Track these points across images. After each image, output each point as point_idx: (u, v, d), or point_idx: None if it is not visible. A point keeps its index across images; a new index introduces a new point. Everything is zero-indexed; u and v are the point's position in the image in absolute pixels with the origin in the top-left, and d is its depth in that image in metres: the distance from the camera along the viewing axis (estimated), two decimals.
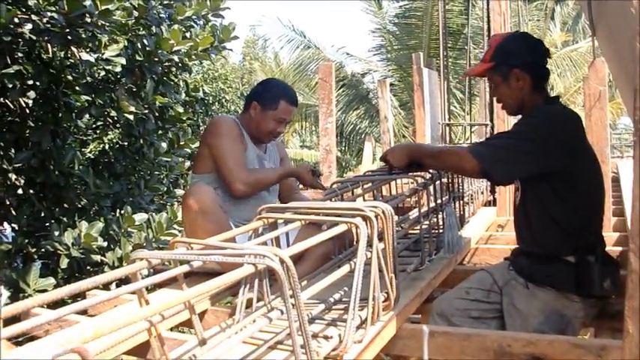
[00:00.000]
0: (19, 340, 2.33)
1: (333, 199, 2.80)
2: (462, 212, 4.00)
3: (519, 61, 2.89)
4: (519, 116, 3.10)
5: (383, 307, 2.15)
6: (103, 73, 4.66)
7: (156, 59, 4.54)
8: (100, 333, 1.01)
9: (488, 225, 5.06)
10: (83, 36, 4.01)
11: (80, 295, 3.18)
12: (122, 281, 3.76)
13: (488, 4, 7.06)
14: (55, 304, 2.64)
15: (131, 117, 4.51)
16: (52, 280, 3.78)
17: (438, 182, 3.28)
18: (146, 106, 4.69)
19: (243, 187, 3.25)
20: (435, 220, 3.32)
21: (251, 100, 3.52)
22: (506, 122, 5.44)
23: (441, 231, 3.35)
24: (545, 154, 2.70)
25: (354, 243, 2.93)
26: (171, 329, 2.71)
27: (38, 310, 2.52)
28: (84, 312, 2.89)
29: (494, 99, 3.11)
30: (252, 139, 3.54)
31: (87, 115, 4.74)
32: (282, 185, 3.78)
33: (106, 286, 3.56)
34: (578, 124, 2.88)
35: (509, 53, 2.92)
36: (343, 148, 19.93)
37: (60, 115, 4.43)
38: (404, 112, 18.60)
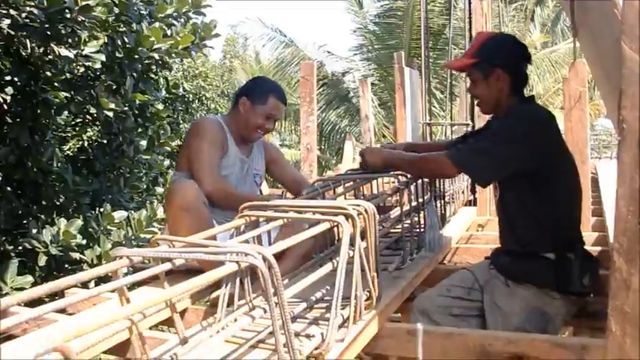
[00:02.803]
0: None
1: (315, 198, 2.79)
2: (443, 211, 4.00)
3: (502, 61, 2.90)
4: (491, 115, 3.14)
5: (365, 306, 2.15)
6: (82, 69, 4.62)
7: (136, 56, 4.51)
8: (83, 331, 1.00)
9: (469, 224, 5.08)
10: (63, 32, 3.97)
11: (58, 294, 3.16)
12: (101, 279, 3.73)
13: (470, 5, 7.08)
14: (32, 303, 2.62)
15: (111, 114, 4.47)
16: (29, 278, 3.75)
17: (419, 181, 3.29)
18: (126, 103, 4.66)
19: (211, 189, 3.18)
20: (417, 219, 3.32)
21: (240, 96, 3.50)
22: None
23: (422, 230, 3.35)
24: (523, 154, 2.73)
25: (335, 241, 2.93)
26: (151, 328, 2.68)
27: (16, 309, 2.48)
28: (62, 310, 2.85)
29: (471, 96, 3.12)
30: (237, 140, 3.51)
31: (66, 112, 4.70)
32: (284, 179, 3.81)
33: (84, 285, 3.53)
34: (551, 122, 2.90)
35: (493, 52, 2.93)
36: (323, 147, 19.92)
37: (38, 111, 4.39)
38: (384, 111, 18.64)
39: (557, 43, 21.78)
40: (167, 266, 1.51)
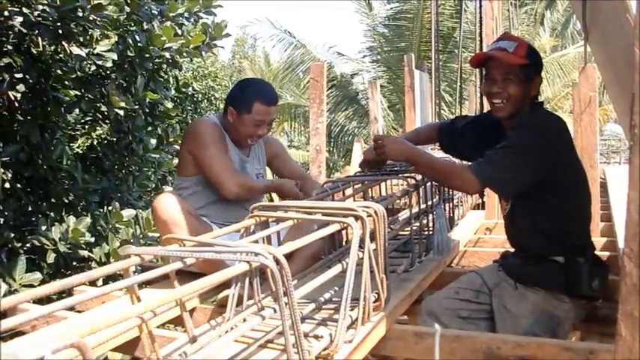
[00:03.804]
0: (2, 336, 2.31)
1: (324, 199, 2.79)
2: (451, 215, 4.00)
3: (541, 68, 2.92)
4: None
5: (373, 308, 2.15)
6: (93, 67, 4.64)
7: (147, 55, 4.53)
8: (96, 328, 1.00)
9: (477, 228, 5.07)
10: (74, 30, 3.99)
11: (65, 291, 3.16)
12: (109, 278, 3.74)
13: (480, 8, 7.07)
14: (40, 300, 2.63)
15: (121, 112, 4.49)
16: (38, 275, 3.76)
17: (428, 184, 3.29)
18: (136, 102, 4.68)
19: (237, 189, 3.20)
20: (425, 221, 3.32)
21: (227, 105, 3.41)
22: None
23: (430, 233, 3.35)
24: (542, 164, 2.70)
25: (344, 243, 2.94)
26: (158, 327, 2.69)
27: (25, 306, 2.49)
28: (71, 308, 2.86)
29: (493, 93, 2.96)
30: (235, 141, 3.47)
31: (76, 110, 4.72)
32: (289, 173, 3.76)
33: (92, 283, 3.54)
34: (565, 128, 2.88)
35: (538, 58, 2.92)
36: (331, 149, 19.92)
37: (49, 109, 4.41)
38: (393, 113, 18.64)
39: (567, 47, 21.75)
40: (178, 265, 1.51)
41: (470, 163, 2.86)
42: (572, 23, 22.73)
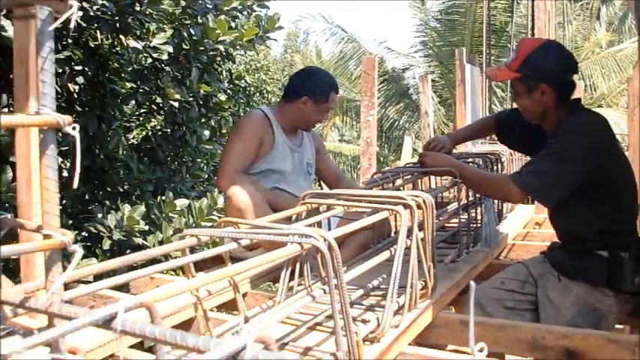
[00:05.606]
0: None
1: (374, 189, 2.83)
2: (500, 208, 4.01)
3: (547, 76, 2.83)
4: None
5: (420, 295, 2.19)
6: (149, 60, 4.74)
7: (202, 48, 4.61)
8: (158, 298, 1.07)
9: (526, 222, 5.06)
10: (132, 24, 4.09)
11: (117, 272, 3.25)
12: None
13: (533, 2, 7.01)
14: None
15: (175, 104, 4.59)
16: (94, 261, 3.86)
17: None
18: (191, 94, 4.77)
19: (223, 182, 3.34)
20: (474, 213, 3.34)
21: (300, 95, 3.58)
22: None
23: (478, 225, 3.37)
24: (585, 169, 2.71)
25: (392, 234, 2.98)
26: (211, 310, 2.76)
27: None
28: (126, 292, 2.96)
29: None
30: (287, 131, 3.62)
31: (132, 102, 4.82)
32: (324, 173, 3.87)
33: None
34: (605, 126, 2.87)
35: (538, 68, 2.84)
36: (382, 143, 19.87)
37: (106, 100, 4.52)
38: (444, 108, 18.54)
39: (624, 41, 21.28)
40: (232, 246, 1.57)
41: (510, 174, 2.90)
42: (629, 18, 22.24)
